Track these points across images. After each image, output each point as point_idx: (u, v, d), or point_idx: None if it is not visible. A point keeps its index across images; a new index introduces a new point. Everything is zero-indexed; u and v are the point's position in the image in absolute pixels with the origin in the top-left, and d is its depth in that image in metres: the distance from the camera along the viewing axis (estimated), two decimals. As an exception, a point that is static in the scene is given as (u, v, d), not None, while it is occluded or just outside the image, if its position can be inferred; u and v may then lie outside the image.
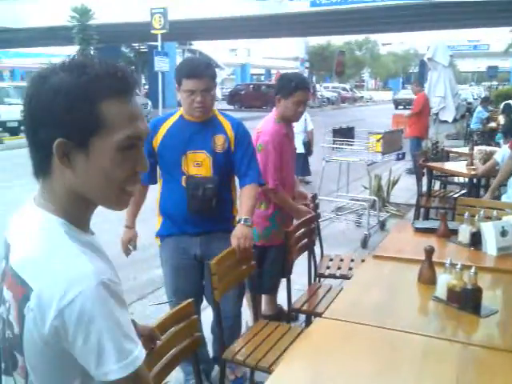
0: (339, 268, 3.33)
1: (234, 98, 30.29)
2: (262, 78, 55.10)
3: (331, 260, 3.48)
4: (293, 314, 2.86)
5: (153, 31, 16.79)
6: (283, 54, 48.36)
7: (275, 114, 2.95)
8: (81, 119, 0.88)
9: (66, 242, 0.90)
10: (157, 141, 2.41)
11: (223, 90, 39.33)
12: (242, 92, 30.44)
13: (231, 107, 29.40)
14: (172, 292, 2.55)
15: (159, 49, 17.48)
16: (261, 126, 2.96)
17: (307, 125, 7.39)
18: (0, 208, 6.65)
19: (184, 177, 2.38)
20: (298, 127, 6.90)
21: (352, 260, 3.47)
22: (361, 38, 40.68)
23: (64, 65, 0.91)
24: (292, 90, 2.82)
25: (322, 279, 3.30)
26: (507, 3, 14.83)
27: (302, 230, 2.93)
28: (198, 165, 2.38)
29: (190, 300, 1.83)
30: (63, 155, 0.90)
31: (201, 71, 2.31)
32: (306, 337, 1.82)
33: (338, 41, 38.89)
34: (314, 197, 3.62)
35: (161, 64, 17.05)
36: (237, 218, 2.45)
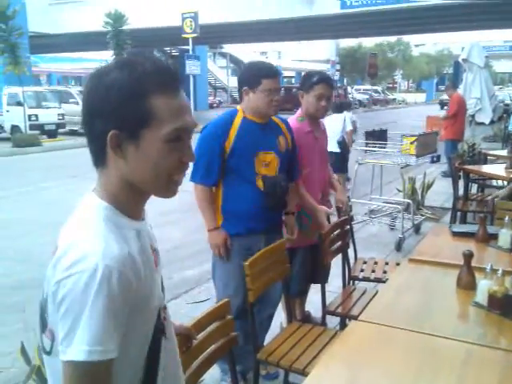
0: (373, 271, 3.29)
1: (264, 100, 30.31)
2: (293, 80, 55.01)
3: (365, 263, 3.44)
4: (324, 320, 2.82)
5: (184, 35, 17.02)
6: (314, 57, 48.13)
7: (299, 113, 2.97)
8: (131, 112, 0.95)
9: (97, 223, 0.96)
10: (229, 142, 2.44)
11: (254, 93, 39.30)
12: (273, 95, 30.43)
13: (261, 110, 29.45)
14: (233, 289, 2.53)
15: (190, 52, 17.69)
16: None
17: (346, 125, 7.42)
18: (38, 207, 6.89)
19: (258, 176, 2.47)
20: (335, 127, 7.03)
21: (386, 263, 3.42)
22: (392, 39, 40.09)
23: (117, 63, 0.98)
24: (313, 84, 2.83)
25: (355, 282, 3.27)
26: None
27: (336, 232, 2.91)
28: (267, 165, 2.49)
29: (225, 300, 1.84)
30: (116, 146, 0.96)
31: (276, 71, 2.49)
32: (342, 339, 1.80)
33: (369, 43, 38.48)
34: (347, 199, 3.58)
35: (192, 67, 17.25)
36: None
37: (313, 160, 2.92)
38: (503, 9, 16.29)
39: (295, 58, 50.68)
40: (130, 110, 0.94)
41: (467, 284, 2.09)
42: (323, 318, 2.74)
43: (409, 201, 5.80)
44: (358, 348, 1.72)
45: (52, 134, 15.72)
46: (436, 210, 6.48)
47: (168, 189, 1.02)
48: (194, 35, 16.93)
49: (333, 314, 2.74)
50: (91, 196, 1.02)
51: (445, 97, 30.71)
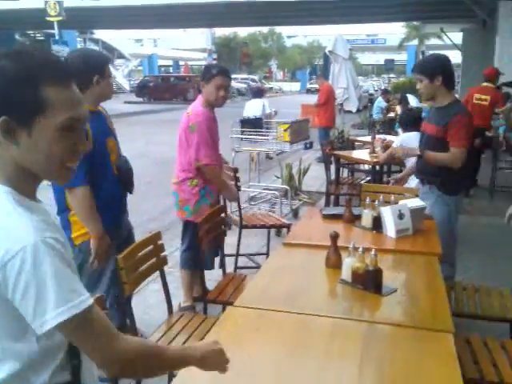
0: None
1: (142, 90, 29.38)
2: (171, 69, 54.08)
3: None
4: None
5: (48, 18, 15.77)
6: (191, 45, 47.76)
7: (201, 100, 3.22)
8: (23, 100, 0.99)
9: (10, 206, 1.01)
10: (88, 137, 2.31)
11: (131, 82, 38.09)
12: (151, 84, 29.66)
13: (140, 99, 28.50)
14: (106, 284, 2.53)
15: (56, 37, 16.49)
16: (190, 109, 3.21)
17: (265, 109, 8.13)
18: None
19: (113, 164, 2.53)
20: (256, 112, 7.88)
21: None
22: (266, 30, 41.27)
23: (5, 53, 1.02)
24: (213, 75, 3.12)
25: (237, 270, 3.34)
26: None
27: (213, 220, 2.93)
28: (112, 151, 2.54)
29: (98, 295, 1.76)
30: (7, 132, 1.00)
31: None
32: (218, 326, 1.82)
33: (243, 32, 39.20)
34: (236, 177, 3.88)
35: (59, 53, 16.09)
36: None
37: (216, 142, 3.29)
38: (365, 4, 17.60)
39: (172, 46, 49.82)
40: (21, 97, 0.99)
41: (334, 263, 2.23)
42: (204, 306, 2.76)
43: (286, 187, 6.03)
44: (234, 333, 1.76)
45: None
46: (312, 194, 6.81)
47: (60, 174, 1.08)
48: (59, 18, 15.74)
49: (214, 302, 2.77)
50: None
51: (312, 86, 32.68)
